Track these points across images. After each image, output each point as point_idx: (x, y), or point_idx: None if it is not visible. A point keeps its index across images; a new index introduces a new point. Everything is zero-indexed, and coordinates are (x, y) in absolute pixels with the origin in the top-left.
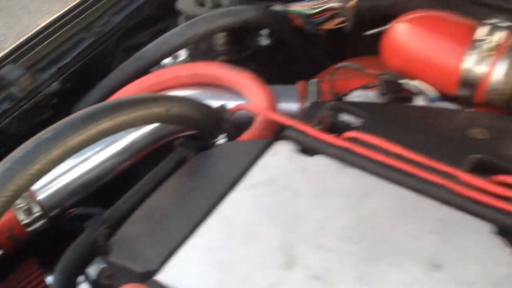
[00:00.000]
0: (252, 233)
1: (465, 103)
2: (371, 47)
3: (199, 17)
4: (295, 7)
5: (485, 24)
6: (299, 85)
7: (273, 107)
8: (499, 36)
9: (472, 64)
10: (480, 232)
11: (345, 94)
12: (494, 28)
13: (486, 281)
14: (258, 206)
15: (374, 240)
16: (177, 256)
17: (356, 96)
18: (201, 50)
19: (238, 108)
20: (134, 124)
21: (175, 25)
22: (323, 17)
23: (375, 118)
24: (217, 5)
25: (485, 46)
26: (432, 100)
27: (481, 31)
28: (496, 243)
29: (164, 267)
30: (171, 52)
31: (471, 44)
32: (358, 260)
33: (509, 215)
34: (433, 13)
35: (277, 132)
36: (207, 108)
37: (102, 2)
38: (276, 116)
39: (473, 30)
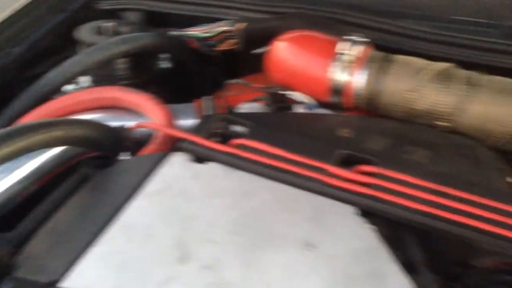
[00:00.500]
0: (150, 235)
1: (338, 108)
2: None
3: (98, 44)
4: (191, 32)
5: (345, 40)
6: (196, 102)
7: (170, 124)
8: (357, 50)
9: (336, 74)
10: (346, 215)
11: (235, 107)
12: (353, 43)
13: (351, 254)
14: (155, 211)
15: (257, 231)
16: (79, 264)
17: (245, 108)
18: (103, 75)
19: (137, 126)
20: (34, 148)
21: (75, 54)
22: (217, 39)
23: (260, 126)
24: (117, 33)
25: (346, 58)
26: (310, 107)
27: (342, 46)
28: (359, 222)
29: (67, 276)
30: (71, 79)
31: (335, 57)
32: (243, 249)
33: (368, 198)
34: (305, 32)
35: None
36: (107, 128)
37: (2, 34)
38: (171, 131)
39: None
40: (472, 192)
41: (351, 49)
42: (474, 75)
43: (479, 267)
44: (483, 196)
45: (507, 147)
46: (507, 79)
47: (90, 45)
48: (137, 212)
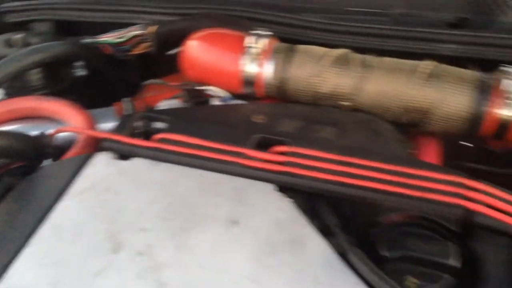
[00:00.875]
0: (81, 232)
1: (252, 99)
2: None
3: (8, 57)
4: (103, 38)
5: (252, 34)
6: (116, 105)
7: (91, 126)
8: (263, 43)
9: (247, 66)
10: (265, 192)
11: (155, 106)
12: (259, 37)
13: (272, 225)
14: (84, 209)
15: (184, 215)
16: (13, 267)
17: (164, 105)
18: (17, 87)
19: (57, 131)
20: None
21: None
22: (130, 44)
23: (179, 120)
24: (27, 45)
25: (253, 51)
26: (225, 100)
27: (249, 40)
28: (278, 197)
29: (2, 279)
30: None
31: (244, 51)
32: (173, 233)
33: (284, 175)
34: (215, 30)
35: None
36: (26, 137)
37: None
38: (92, 132)
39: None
40: (374, 159)
41: (257, 42)
42: (367, 58)
43: (384, 223)
44: (385, 162)
45: (403, 119)
46: (395, 59)
47: (0, 58)
48: (66, 212)
